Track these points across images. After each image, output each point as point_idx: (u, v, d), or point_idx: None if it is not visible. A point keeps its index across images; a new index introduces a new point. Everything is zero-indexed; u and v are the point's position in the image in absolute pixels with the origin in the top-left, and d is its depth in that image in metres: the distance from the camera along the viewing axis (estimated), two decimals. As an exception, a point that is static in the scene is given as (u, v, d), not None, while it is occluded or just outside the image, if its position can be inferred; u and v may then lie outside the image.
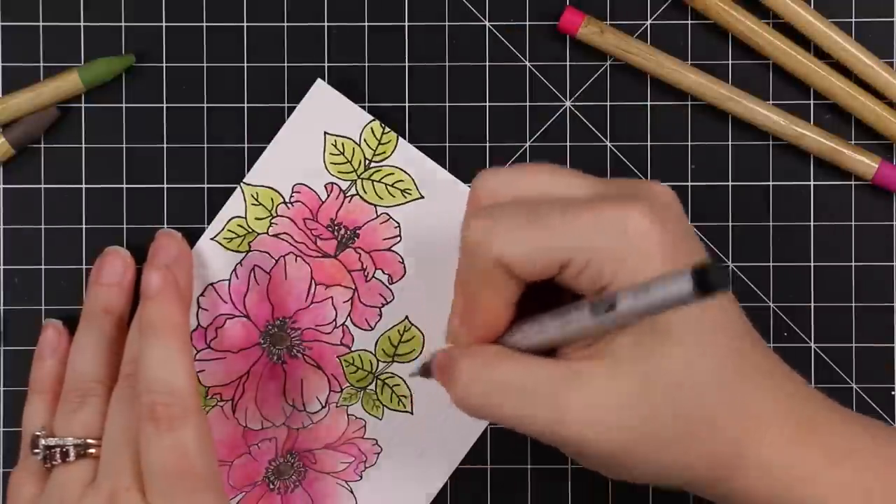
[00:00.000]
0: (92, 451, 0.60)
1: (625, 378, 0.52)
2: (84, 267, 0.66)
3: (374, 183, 0.65)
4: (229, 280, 0.65)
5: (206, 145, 0.66)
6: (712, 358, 0.52)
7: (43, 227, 0.66)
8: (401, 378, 0.65)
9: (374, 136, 0.65)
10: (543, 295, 0.54)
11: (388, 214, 0.65)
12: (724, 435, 0.53)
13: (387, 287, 0.65)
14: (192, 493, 0.57)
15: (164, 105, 0.66)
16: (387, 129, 0.65)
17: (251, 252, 0.65)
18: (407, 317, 0.65)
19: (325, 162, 0.65)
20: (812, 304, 0.66)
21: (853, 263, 0.66)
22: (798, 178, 0.66)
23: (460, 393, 0.54)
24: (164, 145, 0.66)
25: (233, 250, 0.65)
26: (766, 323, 0.66)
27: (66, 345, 0.64)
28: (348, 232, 0.65)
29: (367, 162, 0.65)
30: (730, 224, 0.66)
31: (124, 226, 0.66)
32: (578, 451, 0.53)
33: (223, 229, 0.65)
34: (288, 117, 0.66)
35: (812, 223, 0.66)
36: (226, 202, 0.65)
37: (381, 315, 0.65)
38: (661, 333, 0.52)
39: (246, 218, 0.65)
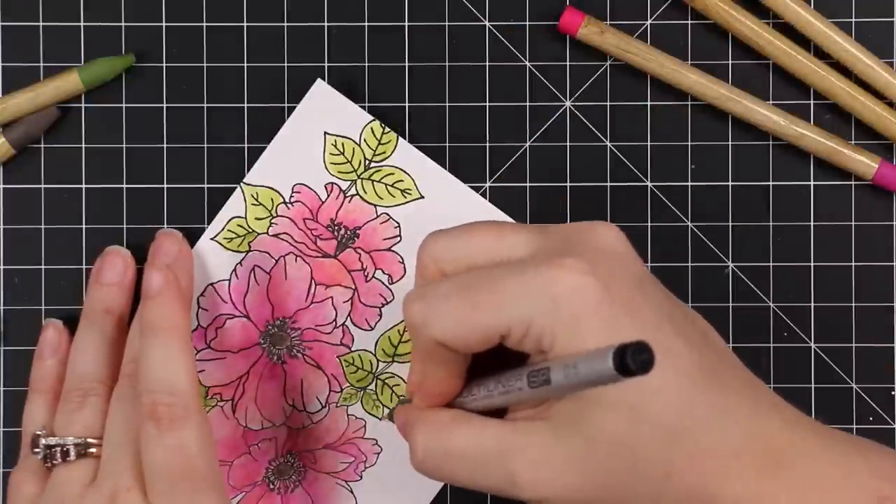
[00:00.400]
0: (93, 450, 0.60)
1: (567, 438, 0.52)
2: (84, 267, 0.66)
3: (374, 183, 0.65)
4: (229, 280, 0.65)
5: (206, 145, 0.66)
6: (657, 415, 0.52)
7: (43, 227, 0.66)
8: (401, 378, 0.65)
9: (374, 136, 0.65)
10: (502, 350, 0.55)
11: (388, 214, 0.65)
12: (684, 483, 0.52)
13: (387, 287, 0.65)
14: (194, 493, 0.57)
15: (164, 105, 0.66)
16: (387, 130, 0.65)
17: (251, 252, 0.65)
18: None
19: (325, 162, 0.65)
20: (812, 304, 0.66)
21: (853, 263, 0.66)
22: (798, 178, 0.66)
23: (417, 462, 0.55)
24: (164, 145, 0.66)
25: (233, 250, 0.65)
26: (766, 323, 0.66)
27: (67, 344, 0.64)
28: (348, 232, 0.65)
29: (367, 162, 0.65)
30: (730, 224, 0.66)
31: (124, 226, 0.66)
32: None
33: (223, 229, 0.65)
34: (288, 117, 0.66)
35: (812, 223, 0.66)
36: (226, 202, 0.65)
37: (381, 315, 0.65)
38: (596, 401, 0.52)
39: (246, 218, 0.65)
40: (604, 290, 0.52)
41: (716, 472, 0.52)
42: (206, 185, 0.66)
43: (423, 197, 0.65)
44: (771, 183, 0.66)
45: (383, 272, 0.65)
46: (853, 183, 0.66)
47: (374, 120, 0.65)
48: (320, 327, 0.65)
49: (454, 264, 0.55)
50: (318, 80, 0.65)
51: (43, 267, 0.66)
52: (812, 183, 0.66)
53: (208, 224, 0.66)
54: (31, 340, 0.65)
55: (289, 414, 0.65)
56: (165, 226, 0.66)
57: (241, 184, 0.65)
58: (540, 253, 0.53)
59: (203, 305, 0.65)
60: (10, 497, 0.61)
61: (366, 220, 0.65)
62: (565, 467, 0.52)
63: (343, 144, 0.65)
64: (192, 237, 0.66)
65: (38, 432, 0.61)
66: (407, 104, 0.66)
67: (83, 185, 0.66)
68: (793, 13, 0.65)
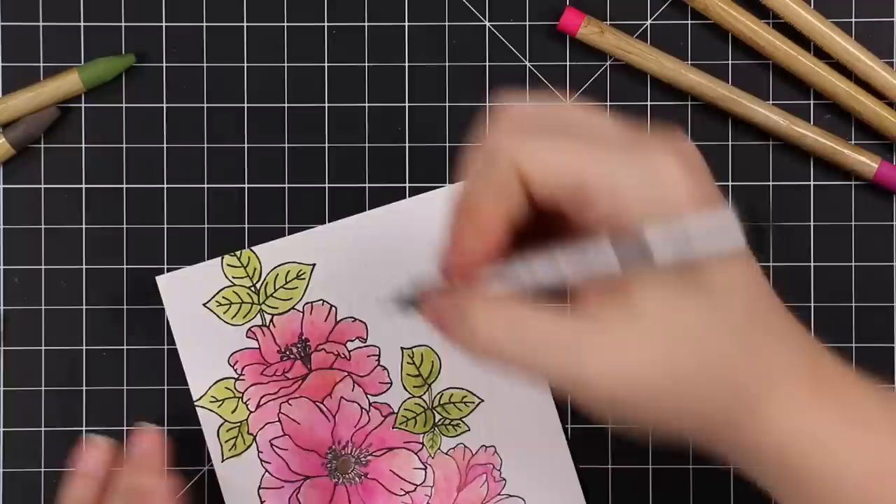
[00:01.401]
0: None
1: (648, 332, 0.51)
2: (84, 267, 0.66)
3: (275, 295, 0.65)
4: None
5: (206, 145, 0.66)
6: (735, 313, 0.51)
7: (43, 227, 0.66)
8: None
9: (235, 264, 0.65)
10: (529, 239, 0.52)
11: (310, 305, 0.65)
12: (738, 378, 0.52)
13: (362, 344, 0.65)
14: None
15: (164, 105, 0.66)
16: (235, 253, 0.65)
17: (262, 429, 0.65)
18: (402, 348, 0.66)
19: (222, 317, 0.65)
20: (812, 304, 0.66)
21: (853, 263, 0.66)
22: (798, 178, 0.66)
23: (481, 344, 0.51)
24: (164, 145, 0.66)
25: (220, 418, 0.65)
26: (766, 323, 0.66)
27: (107, 465, 0.62)
28: (299, 344, 0.65)
29: (255, 287, 0.65)
30: (730, 224, 0.66)
31: (124, 226, 0.66)
32: (596, 399, 0.52)
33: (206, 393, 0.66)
34: (287, 117, 0.66)
35: (812, 223, 0.66)
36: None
37: (378, 362, 0.65)
38: (687, 285, 0.50)
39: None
40: (697, 186, 0.51)
41: (768, 381, 0.52)
42: (206, 185, 0.66)
43: (314, 264, 0.65)
44: (771, 183, 0.66)
45: (352, 341, 0.65)
46: (853, 183, 0.66)
47: (221, 257, 0.65)
48: (363, 429, 0.66)
49: (544, 122, 0.51)
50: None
51: (43, 267, 0.66)
52: (812, 183, 0.66)
53: (208, 223, 0.66)
54: (31, 340, 0.65)
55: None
56: (165, 226, 0.66)
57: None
58: (638, 138, 0.51)
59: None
60: None
61: (297, 323, 0.65)
62: (642, 363, 0.51)
63: (225, 296, 0.65)
64: (193, 237, 0.66)
65: None
66: (407, 104, 0.66)
67: (83, 185, 0.66)
68: (793, 13, 0.65)
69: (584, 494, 0.66)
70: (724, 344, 0.52)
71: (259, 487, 0.65)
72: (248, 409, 0.65)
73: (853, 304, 0.66)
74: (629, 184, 0.50)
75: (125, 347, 0.66)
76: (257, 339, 0.65)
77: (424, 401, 0.65)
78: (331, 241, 0.65)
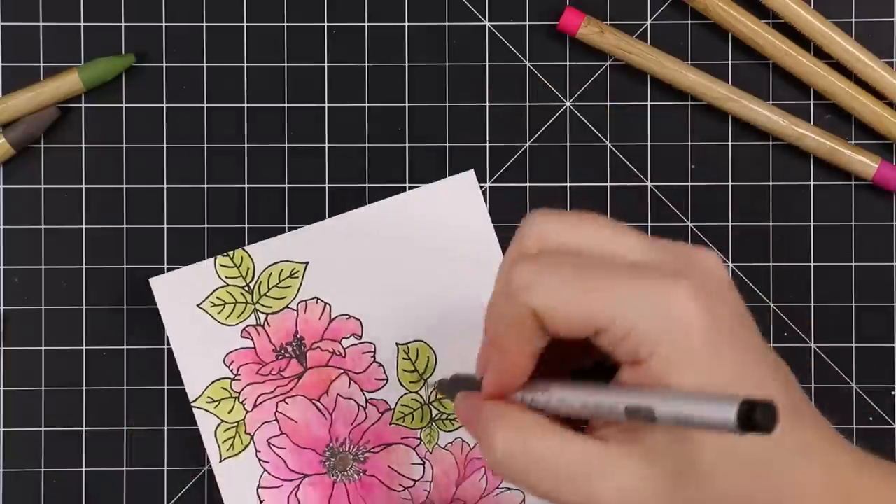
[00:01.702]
0: None
1: (658, 467, 0.51)
2: (84, 267, 0.66)
3: (268, 294, 0.65)
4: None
5: (206, 145, 0.66)
6: (747, 448, 0.51)
7: (43, 227, 0.66)
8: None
9: (227, 264, 0.65)
10: (565, 346, 0.54)
11: (305, 303, 0.65)
12: None
13: (357, 342, 0.65)
14: None
15: (164, 105, 0.66)
16: (228, 254, 0.65)
17: (259, 428, 0.65)
18: (397, 343, 0.66)
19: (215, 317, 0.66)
20: (812, 304, 0.66)
21: (853, 263, 0.66)
22: (798, 178, 0.66)
23: (495, 461, 0.53)
24: (164, 145, 0.66)
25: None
26: (767, 323, 0.66)
27: None
28: (294, 343, 0.65)
29: (250, 286, 0.65)
30: (730, 224, 0.66)
31: (124, 226, 0.66)
32: None
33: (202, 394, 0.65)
34: (287, 117, 0.66)
35: (812, 223, 0.66)
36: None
37: (374, 358, 0.65)
38: (692, 433, 0.51)
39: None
40: (714, 319, 0.51)
41: None
42: (206, 185, 0.66)
43: (307, 262, 0.65)
44: (771, 183, 0.66)
45: (347, 339, 0.65)
46: (853, 183, 0.66)
47: (214, 257, 0.65)
48: (359, 427, 0.66)
49: (560, 246, 0.53)
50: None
51: (43, 267, 0.66)
52: (812, 183, 0.66)
53: (208, 223, 0.66)
54: (30, 340, 0.65)
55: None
56: (165, 226, 0.66)
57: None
58: (654, 264, 0.52)
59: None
60: None
61: (292, 321, 0.65)
62: (650, 497, 0.51)
63: (219, 297, 0.65)
64: (192, 237, 0.66)
65: None
66: (407, 104, 0.66)
67: (83, 185, 0.66)
68: (793, 13, 0.65)
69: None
70: (741, 485, 0.52)
71: (258, 487, 0.65)
72: (244, 408, 0.65)
73: (853, 304, 0.66)
74: (640, 321, 0.50)
75: (125, 347, 0.66)
76: (252, 339, 0.65)
77: (421, 396, 0.65)
78: (324, 238, 0.65)
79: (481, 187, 0.66)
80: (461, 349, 0.65)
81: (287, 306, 0.65)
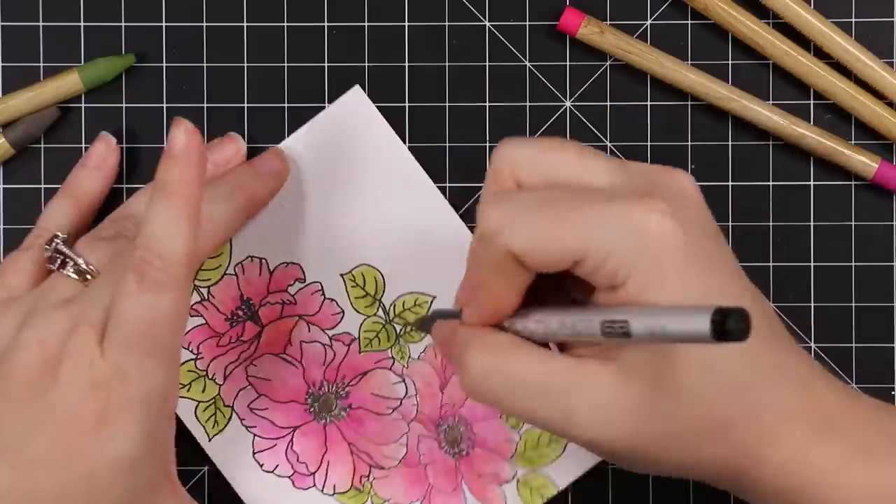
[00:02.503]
0: (89, 277, 0.59)
1: (634, 383, 0.52)
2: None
3: (203, 267, 0.65)
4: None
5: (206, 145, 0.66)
6: (724, 366, 0.52)
7: (43, 227, 0.66)
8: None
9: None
10: (554, 278, 0.54)
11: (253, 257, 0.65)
12: (738, 437, 0.53)
13: (302, 283, 0.65)
14: (146, 355, 0.55)
15: (164, 105, 0.66)
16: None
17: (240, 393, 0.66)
18: (341, 274, 0.65)
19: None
20: (812, 304, 0.66)
21: (853, 263, 0.66)
22: (798, 178, 0.66)
23: (469, 382, 0.54)
24: (165, 145, 0.66)
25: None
26: (766, 323, 0.66)
27: (113, 162, 0.64)
28: (247, 301, 0.66)
29: None
30: (730, 224, 0.66)
31: (124, 226, 0.66)
32: (588, 447, 0.53)
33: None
34: (287, 117, 0.66)
35: (812, 223, 0.66)
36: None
37: (324, 295, 0.65)
38: (669, 350, 0.51)
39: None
40: (686, 236, 0.51)
41: (769, 430, 0.53)
42: (206, 185, 0.66)
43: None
44: (771, 183, 0.66)
45: (292, 285, 0.65)
46: (853, 183, 0.66)
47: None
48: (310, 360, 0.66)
49: (532, 176, 0.53)
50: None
51: (43, 267, 0.66)
52: (812, 183, 0.66)
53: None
54: (31, 340, 0.65)
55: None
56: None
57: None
58: (624, 187, 0.53)
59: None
60: None
61: (234, 286, 0.65)
62: (628, 413, 0.52)
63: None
64: (192, 237, 0.66)
65: (61, 235, 0.61)
66: (407, 104, 0.66)
67: (83, 185, 0.66)
68: (793, 13, 0.65)
69: (584, 493, 0.66)
70: (719, 405, 0.52)
71: (253, 453, 0.65)
72: (216, 383, 0.65)
73: (853, 304, 0.66)
74: (614, 245, 0.51)
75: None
76: (202, 315, 0.65)
77: (380, 317, 0.65)
78: None
79: (481, 187, 0.66)
80: (403, 261, 0.65)
81: (225, 273, 0.65)
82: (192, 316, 0.65)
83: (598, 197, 0.52)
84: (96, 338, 0.55)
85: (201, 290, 0.65)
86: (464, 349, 0.54)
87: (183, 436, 0.65)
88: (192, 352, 0.65)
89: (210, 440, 0.65)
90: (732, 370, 0.52)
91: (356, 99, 0.65)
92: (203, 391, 0.65)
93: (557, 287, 0.55)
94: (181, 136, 0.56)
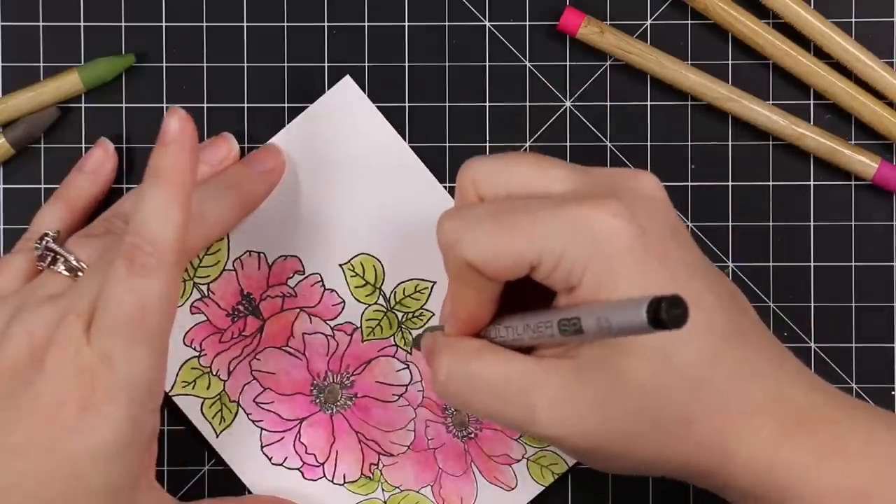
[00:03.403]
0: (80, 274, 0.59)
1: (592, 380, 0.53)
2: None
3: (201, 264, 0.65)
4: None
5: (206, 145, 0.66)
6: (682, 360, 0.52)
7: (43, 227, 0.66)
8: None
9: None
10: (531, 284, 0.55)
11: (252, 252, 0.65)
12: (701, 432, 0.53)
13: (301, 275, 0.65)
14: (134, 341, 0.55)
15: (164, 105, 0.66)
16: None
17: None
18: (340, 265, 0.65)
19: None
20: (812, 304, 0.66)
21: (853, 263, 0.66)
22: (798, 178, 0.66)
23: (439, 384, 0.56)
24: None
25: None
26: (767, 323, 0.66)
27: (109, 167, 0.64)
28: (249, 296, 0.65)
29: None
30: (730, 224, 0.66)
31: (124, 226, 0.66)
32: (555, 444, 0.54)
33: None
34: (287, 117, 0.66)
35: (812, 223, 0.66)
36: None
37: (324, 286, 0.65)
38: (626, 346, 0.52)
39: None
40: (641, 234, 0.52)
41: (735, 427, 0.53)
42: (206, 185, 0.66)
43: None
44: (771, 183, 0.66)
45: (291, 278, 0.65)
46: (853, 183, 0.66)
47: None
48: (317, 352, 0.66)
49: (493, 190, 0.55)
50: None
51: (43, 267, 0.66)
52: (812, 183, 0.66)
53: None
54: (31, 340, 0.65)
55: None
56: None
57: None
58: (580, 191, 0.54)
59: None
60: None
61: (234, 282, 0.65)
62: (586, 408, 0.53)
63: None
64: (192, 237, 0.66)
65: (51, 233, 0.61)
66: (407, 104, 0.66)
67: (83, 185, 0.66)
68: (793, 13, 0.65)
69: (584, 491, 0.66)
70: (677, 399, 0.53)
71: (261, 447, 0.65)
72: (220, 379, 0.65)
73: (853, 304, 0.66)
74: (566, 248, 0.52)
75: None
76: (203, 312, 0.65)
77: (381, 304, 0.65)
78: None
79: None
80: (402, 248, 0.65)
81: (224, 269, 0.65)
82: (193, 313, 0.65)
83: (550, 202, 0.53)
84: (83, 325, 0.55)
85: (201, 286, 0.65)
86: (437, 358, 0.56)
87: (184, 435, 0.65)
88: (195, 349, 0.65)
89: (218, 436, 0.65)
90: (690, 364, 0.52)
91: (347, 89, 0.65)
92: (208, 388, 0.65)
93: (539, 293, 0.56)
94: (175, 123, 0.57)
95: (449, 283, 0.56)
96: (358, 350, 0.65)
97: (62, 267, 0.59)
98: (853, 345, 0.66)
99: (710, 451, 0.53)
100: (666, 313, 0.45)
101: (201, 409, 0.65)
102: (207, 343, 0.65)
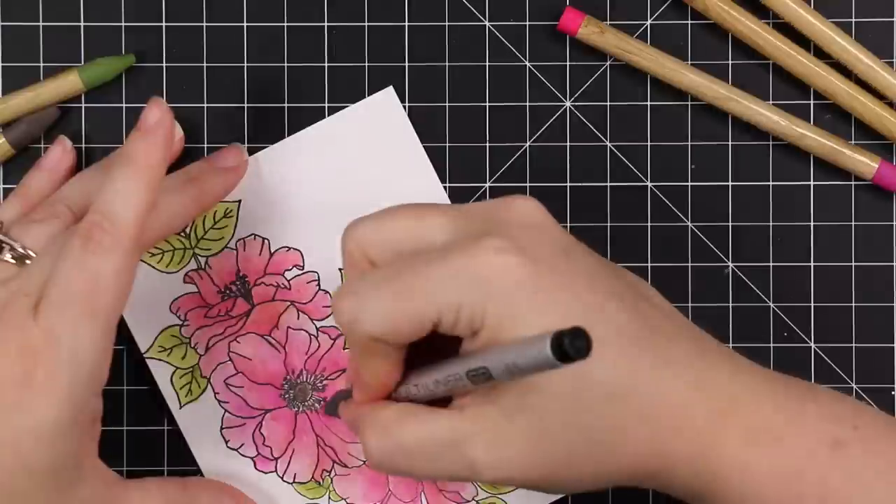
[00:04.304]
0: (28, 262, 0.59)
1: (518, 418, 0.53)
2: (84, 267, 0.66)
3: (205, 236, 0.65)
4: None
5: (206, 145, 0.66)
6: (601, 378, 0.52)
7: (43, 227, 0.66)
8: None
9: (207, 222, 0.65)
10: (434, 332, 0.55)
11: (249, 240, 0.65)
12: (636, 440, 0.53)
13: (300, 270, 0.65)
14: (81, 320, 0.54)
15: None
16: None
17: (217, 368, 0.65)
18: (339, 269, 0.65)
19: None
20: (812, 304, 0.66)
21: (853, 263, 0.66)
22: (798, 178, 0.66)
23: (373, 463, 0.55)
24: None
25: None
26: (767, 323, 0.66)
27: (67, 165, 0.64)
28: (240, 280, 0.65)
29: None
30: (730, 224, 0.66)
31: (124, 226, 0.66)
32: (507, 485, 0.55)
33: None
34: (287, 117, 0.66)
35: (812, 223, 0.66)
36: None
37: (319, 286, 0.65)
38: (540, 378, 0.52)
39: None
40: (528, 263, 0.52)
41: (667, 427, 0.53)
42: (206, 185, 0.66)
43: (240, 200, 0.65)
44: (771, 183, 0.66)
45: (289, 271, 0.65)
46: (853, 183, 0.66)
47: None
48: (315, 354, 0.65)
49: (379, 249, 0.55)
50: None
51: (43, 267, 0.66)
52: (812, 183, 0.66)
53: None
54: (31, 340, 0.65)
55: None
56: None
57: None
58: (461, 235, 0.54)
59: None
60: None
61: (232, 261, 0.65)
62: (523, 444, 0.53)
63: (157, 245, 0.65)
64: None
65: None
66: (407, 104, 0.66)
67: (83, 185, 0.66)
68: (793, 13, 0.65)
69: (582, 493, 0.66)
70: (605, 413, 0.53)
71: (221, 428, 0.65)
72: (197, 353, 0.65)
73: (853, 304, 0.66)
74: (461, 298, 0.52)
75: (125, 348, 0.66)
76: (196, 284, 0.65)
77: None
78: (253, 174, 0.65)
79: (481, 188, 0.66)
80: None
81: (226, 246, 0.65)
82: (185, 283, 0.65)
83: (436, 256, 0.53)
84: (31, 304, 0.55)
85: (199, 258, 0.65)
86: (362, 434, 0.55)
87: (183, 435, 0.65)
88: (179, 317, 0.65)
89: (181, 407, 0.65)
90: (609, 377, 0.52)
91: (389, 99, 0.65)
92: (183, 358, 0.65)
93: (444, 336, 0.55)
94: (154, 113, 0.57)
95: (351, 355, 0.56)
96: (337, 356, 0.65)
97: (9, 255, 0.59)
98: (853, 345, 0.66)
99: (648, 454, 0.53)
100: (570, 346, 0.45)
101: (171, 378, 0.65)
102: (192, 315, 0.65)
